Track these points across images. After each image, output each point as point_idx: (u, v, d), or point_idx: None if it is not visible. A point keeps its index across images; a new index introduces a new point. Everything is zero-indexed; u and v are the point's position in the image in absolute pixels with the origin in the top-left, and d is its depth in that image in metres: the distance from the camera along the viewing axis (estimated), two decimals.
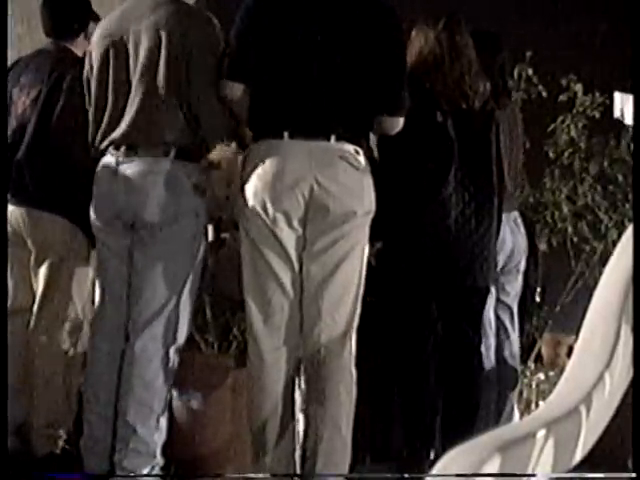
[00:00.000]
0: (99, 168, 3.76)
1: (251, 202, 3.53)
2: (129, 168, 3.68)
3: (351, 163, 3.54)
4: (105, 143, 3.75)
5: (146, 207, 3.64)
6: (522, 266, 4.60)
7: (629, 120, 5.20)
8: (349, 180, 3.53)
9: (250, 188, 3.54)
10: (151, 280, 3.66)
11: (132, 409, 3.63)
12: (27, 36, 6.01)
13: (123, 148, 3.69)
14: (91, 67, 3.81)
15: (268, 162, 3.51)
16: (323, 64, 3.54)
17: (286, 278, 3.55)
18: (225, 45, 3.66)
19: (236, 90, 3.59)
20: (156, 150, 3.67)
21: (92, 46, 3.83)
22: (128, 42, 3.70)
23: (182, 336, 3.74)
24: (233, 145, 4.05)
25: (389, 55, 3.58)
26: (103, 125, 3.75)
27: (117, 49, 3.72)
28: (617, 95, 4.89)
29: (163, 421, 3.69)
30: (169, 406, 3.78)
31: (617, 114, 4.93)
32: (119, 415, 3.66)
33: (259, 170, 3.52)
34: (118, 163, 3.70)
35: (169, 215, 3.64)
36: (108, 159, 3.73)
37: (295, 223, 3.52)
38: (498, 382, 4.47)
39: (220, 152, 3.93)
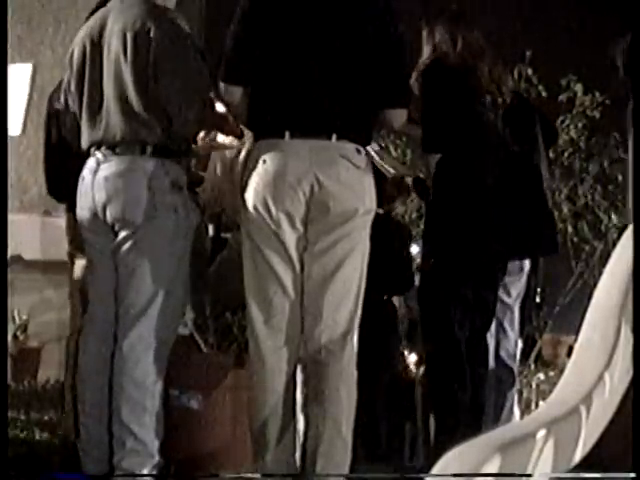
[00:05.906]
0: (84, 169, 3.79)
1: (253, 202, 3.53)
2: (108, 167, 3.71)
3: (352, 162, 3.53)
4: (87, 144, 3.79)
5: (123, 205, 3.67)
6: (526, 266, 4.60)
7: None
8: (350, 179, 3.52)
9: (252, 188, 3.54)
10: (135, 278, 3.68)
11: (125, 409, 3.63)
12: (27, 36, 6.02)
13: (103, 148, 3.73)
14: (71, 66, 3.84)
15: (269, 162, 3.51)
16: (323, 63, 3.53)
17: (287, 278, 3.55)
18: (223, 47, 3.67)
19: (235, 93, 3.60)
20: (133, 149, 3.70)
21: (74, 45, 3.87)
22: (103, 43, 3.74)
23: (172, 334, 3.75)
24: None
25: (388, 48, 3.56)
26: (84, 126, 3.79)
27: (93, 49, 3.77)
28: None
29: (159, 419, 3.68)
30: (168, 406, 3.77)
31: None
32: (114, 416, 3.66)
33: (260, 170, 3.52)
34: (99, 163, 3.74)
35: (146, 213, 3.66)
36: (91, 159, 3.77)
37: (297, 223, 3.51)
38: (496, 382, 4.47)
39: (215, 153, 3.95)
